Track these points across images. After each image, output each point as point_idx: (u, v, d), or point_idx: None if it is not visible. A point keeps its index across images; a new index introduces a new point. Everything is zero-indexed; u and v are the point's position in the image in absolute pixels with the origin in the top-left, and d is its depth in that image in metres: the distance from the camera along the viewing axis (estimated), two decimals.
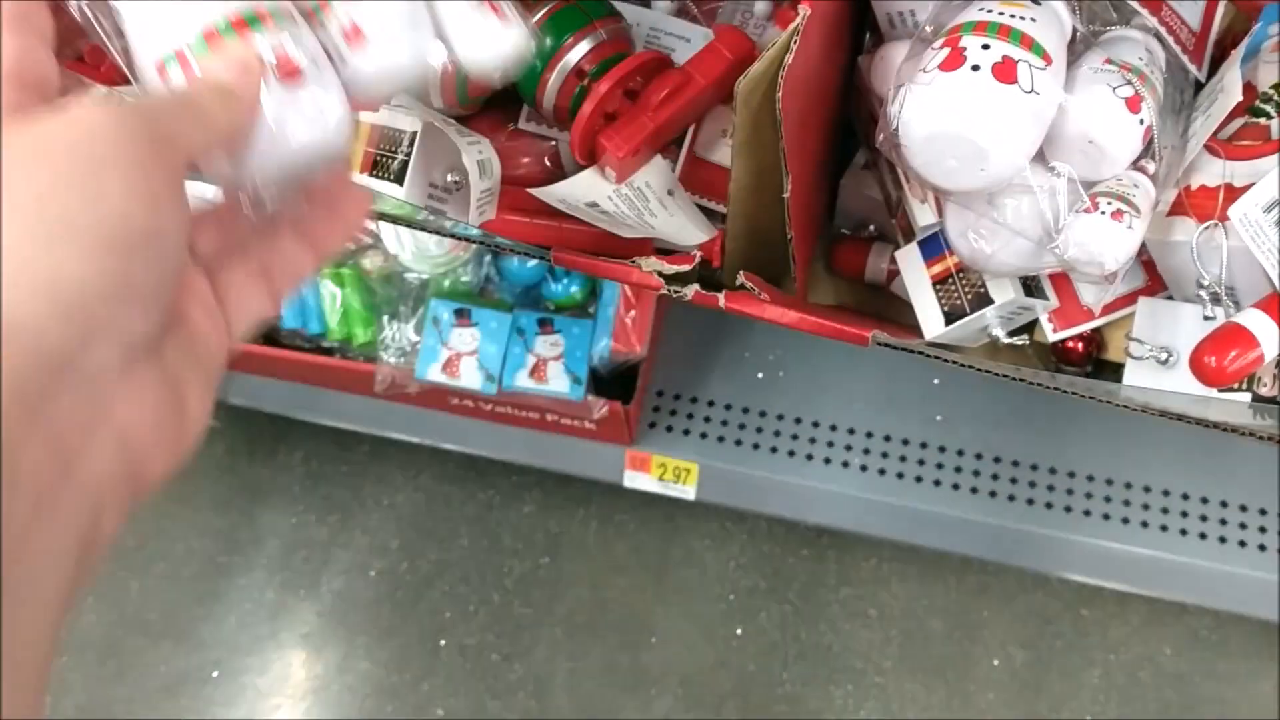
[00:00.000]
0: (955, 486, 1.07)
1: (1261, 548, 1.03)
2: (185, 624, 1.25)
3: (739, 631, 1.20)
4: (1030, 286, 0.64)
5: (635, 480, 1.11)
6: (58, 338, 0.25)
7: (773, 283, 0.65)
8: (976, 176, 0.53)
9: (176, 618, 1.25)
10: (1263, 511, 1.05)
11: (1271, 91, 0.61)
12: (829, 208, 0.74)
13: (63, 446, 0.26)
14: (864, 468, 1.08)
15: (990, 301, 0.62)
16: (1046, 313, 0.66)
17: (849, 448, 1.09)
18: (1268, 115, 0.60)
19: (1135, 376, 0.61)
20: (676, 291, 0.54)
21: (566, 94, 0.64)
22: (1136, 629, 1.17)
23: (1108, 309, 0.65)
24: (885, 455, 1.09)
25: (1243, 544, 1.03)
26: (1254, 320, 0.56)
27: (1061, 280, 0.66)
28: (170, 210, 0.28)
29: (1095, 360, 0.68)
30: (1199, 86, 0.63)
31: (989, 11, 0.54)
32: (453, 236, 0.62)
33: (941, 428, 1.10)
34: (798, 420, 1.11)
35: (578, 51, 0.63)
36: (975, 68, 0.51)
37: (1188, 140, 0.60)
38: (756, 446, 1.10)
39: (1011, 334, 0.65)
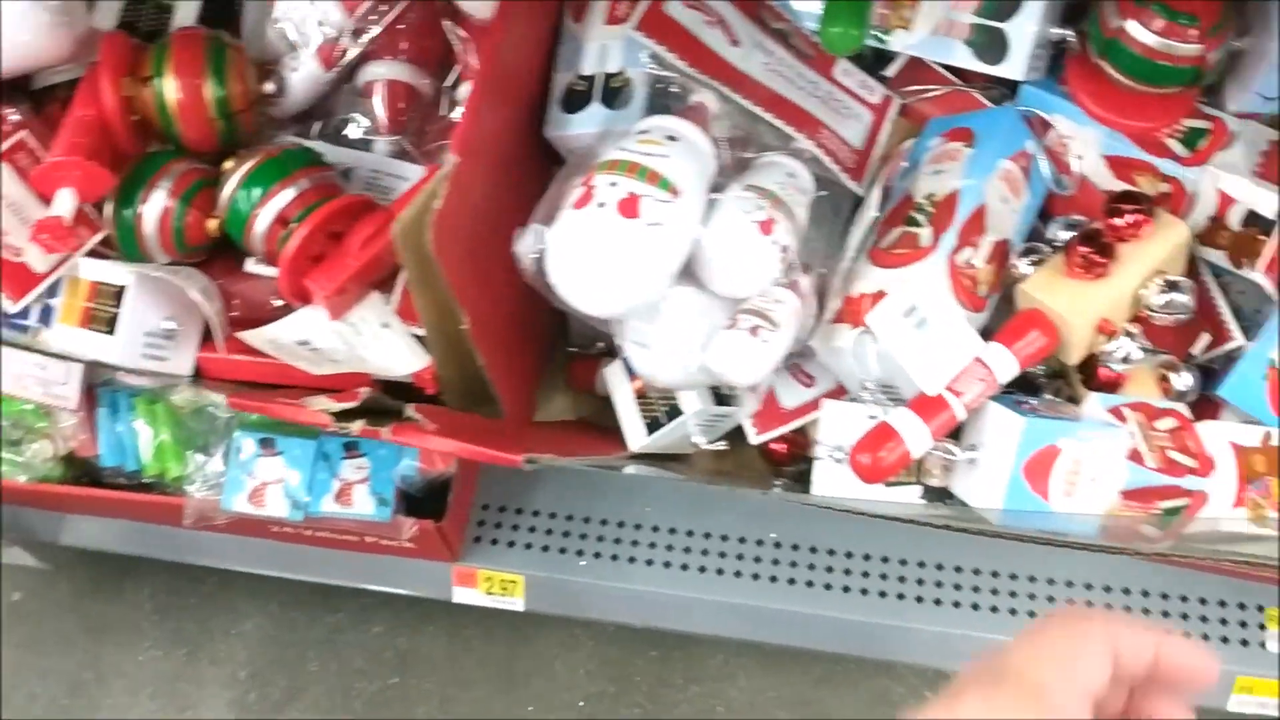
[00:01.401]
0: (774, 579, 1.08)
1: None
2: None
3: None
4: (724, 395, 0.67)
5: (464, 595, 1.12)
6: None
7: (490, 404, 0.68)
8: (614, 304, 0.56)
9: None
10: (1089, 586, 1.08)
11: (924, 201, 0.65)
12: (560, 327, 0.78)
13: None
14: (685, 566, 1.10)
15: (681, 412, 0.65)
16: (750, 417, 0.69)
17: (670, 548, 1.10)
18: (919, 224, 0.65)
19: (822, 474, 0.64)
20: (343, 427, 0.57)
21: (273, 239, 0.68)
22: None
23: (805, 410, 0.69)
24: (705, 553, 1.10)
25: None
26: (900, 418, 0.59)
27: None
28: None
29: (805, 459, 0.71)
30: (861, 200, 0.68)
31: (624, 150, 0.58)
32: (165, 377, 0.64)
33: (762, 523, 1.12)
34: (620, 524, 1.12)
35: (281, 199, 0.67)
36: (601, 204, 0.55)
37: (846, 252, 0.64)
38: (580, 553, 1.11)
39: (714, 440, 0.68)
